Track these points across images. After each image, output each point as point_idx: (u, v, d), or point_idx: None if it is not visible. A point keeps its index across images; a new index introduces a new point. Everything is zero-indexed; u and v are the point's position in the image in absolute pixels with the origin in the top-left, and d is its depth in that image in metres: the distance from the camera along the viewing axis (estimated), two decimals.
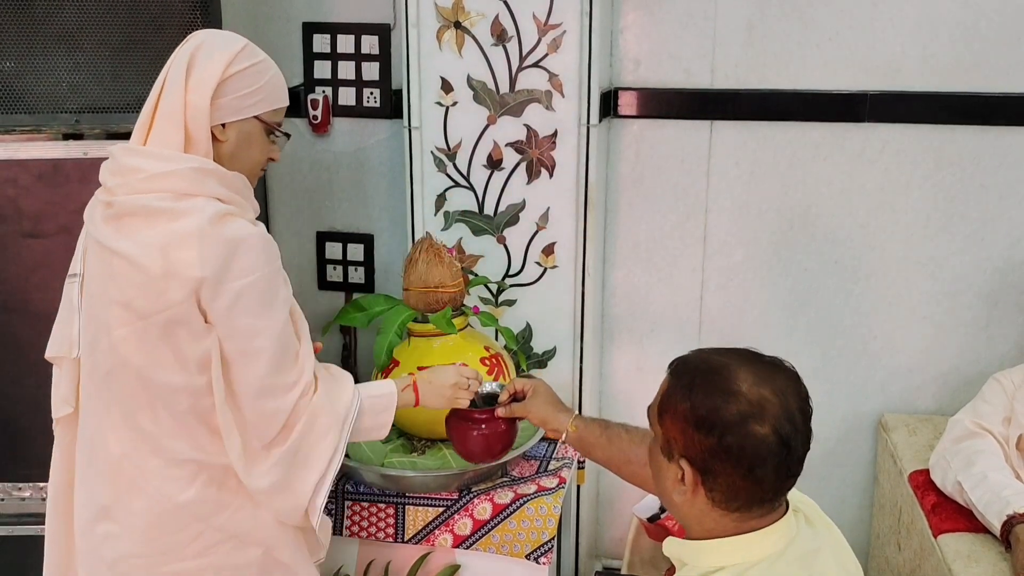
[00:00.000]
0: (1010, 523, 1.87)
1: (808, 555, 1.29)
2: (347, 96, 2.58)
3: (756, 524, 1.28)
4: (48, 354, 1.59)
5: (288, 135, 1.63)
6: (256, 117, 1.53)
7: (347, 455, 2.04)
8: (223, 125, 1.50)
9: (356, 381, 2.63)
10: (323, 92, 2.58)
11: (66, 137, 2.07)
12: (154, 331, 1.42)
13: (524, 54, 2.24)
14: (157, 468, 1.49)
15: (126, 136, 2.06)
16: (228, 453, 1.48)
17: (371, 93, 2.57)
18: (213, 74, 1.47)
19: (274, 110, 1.57)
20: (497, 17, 2.23)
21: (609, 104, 2.43)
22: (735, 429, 1.22)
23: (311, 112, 2.58)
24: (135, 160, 1.47)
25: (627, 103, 2.48)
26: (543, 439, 2.18)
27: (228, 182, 1.49)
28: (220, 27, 2.13)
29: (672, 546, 1.37)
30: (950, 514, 2.04)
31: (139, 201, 1.44)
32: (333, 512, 2.04)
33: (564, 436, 1.78)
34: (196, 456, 1.49)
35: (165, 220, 1.42)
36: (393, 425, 2.13)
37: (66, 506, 1.60)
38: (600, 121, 2.30)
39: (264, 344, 1.46)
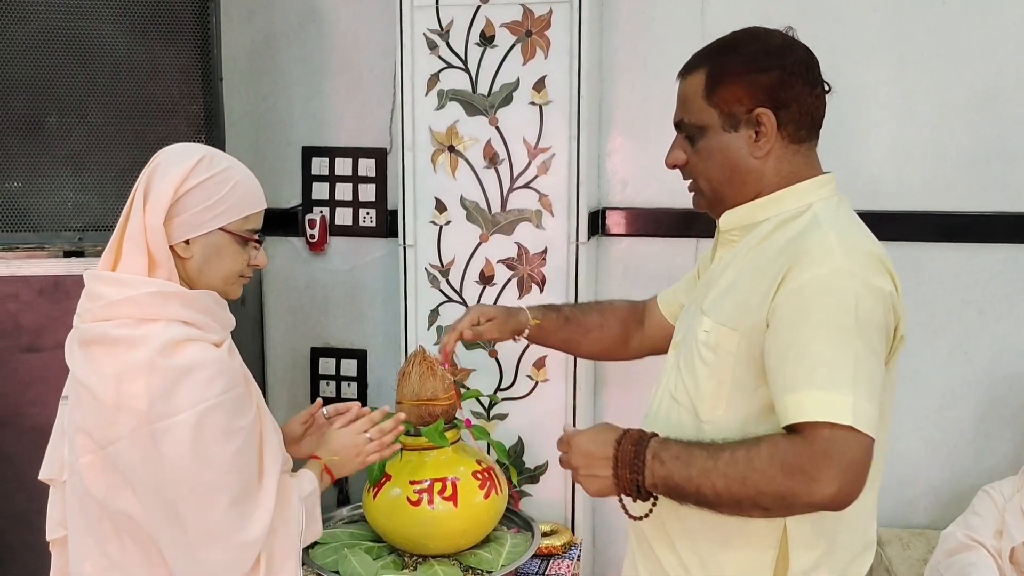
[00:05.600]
0: None
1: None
2: (344, 216, 2.66)
3: (815, 172, 1.43)
4: (41, 476, 1.57)
5: (260, 241, 1.55)
6: (222, 228, 1.47)
7: (337, 573, 2.03)
8: (187, 242, 1.46)
9: (348, 498, 2.65)
10: (320, 212, 2.66)
11: (67, 255, 2.11)
12: (110, 461, 1.40)
13: (515, 176, 2.33)
14: None
15: None
16: None
17: (367, 213, 2.65)
18: (166, 192, 1.42)
19: (244, 218, 1.49)
20: (489, 141, 2.33)
21: (598, 223, 2.51)
22: (788, 52, 1.36)
23: (308, 231, 2.66)
24: (99, 287, 1.45)
25: (615, 222, 2.56)
26: (535, 556, 2.15)
27: (192, 303, 1.45)
28: (224, 151, 2.19)
29: (738, 212, 1.41)
30: None
31: (100, 329, 1.41)
32: None
33: (527, 332, 1.88)
34: None
35: (122, 349, 1.39)
36: (383, 541, 2.13)
37: None
38: (589, 239, 2.37)
39: (217, 478, 1.39)
